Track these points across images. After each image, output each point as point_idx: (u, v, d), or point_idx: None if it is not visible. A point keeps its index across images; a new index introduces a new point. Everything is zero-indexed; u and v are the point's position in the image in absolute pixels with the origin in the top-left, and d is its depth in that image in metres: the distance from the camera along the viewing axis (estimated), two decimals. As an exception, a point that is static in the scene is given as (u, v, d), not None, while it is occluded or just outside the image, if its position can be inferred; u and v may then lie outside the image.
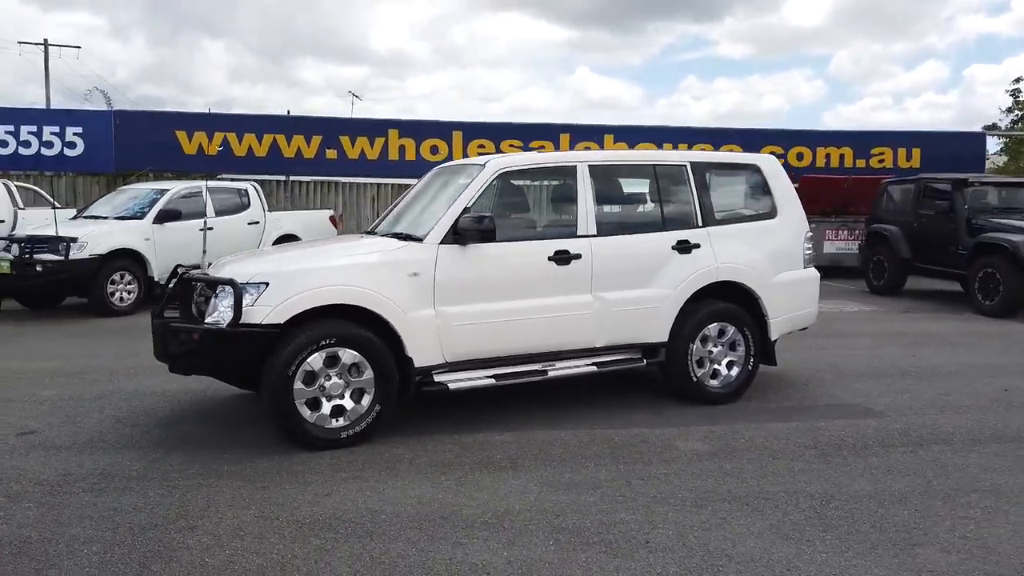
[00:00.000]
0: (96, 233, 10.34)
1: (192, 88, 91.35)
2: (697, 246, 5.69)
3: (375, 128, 16.69)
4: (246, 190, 12.25)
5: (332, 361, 4.64)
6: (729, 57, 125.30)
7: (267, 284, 4.57)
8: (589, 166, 5.55)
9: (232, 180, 13.44)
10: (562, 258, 5.24)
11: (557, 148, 16.72)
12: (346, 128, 16.79)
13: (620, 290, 5.43)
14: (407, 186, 16.14)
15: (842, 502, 3.91)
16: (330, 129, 16.68)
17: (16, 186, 12.33)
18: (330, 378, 4.64)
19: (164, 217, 10.82)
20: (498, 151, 15.99)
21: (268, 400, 4.57)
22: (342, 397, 4.70)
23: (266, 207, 12.38)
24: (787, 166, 17.82)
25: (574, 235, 5.37)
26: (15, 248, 10.12)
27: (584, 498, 3.93)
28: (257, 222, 12.03)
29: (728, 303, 5.77)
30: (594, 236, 5.40)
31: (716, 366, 5.79)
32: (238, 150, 16.19)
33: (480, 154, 15.87)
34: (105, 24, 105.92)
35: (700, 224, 5.77)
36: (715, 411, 5.54)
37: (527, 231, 5.68)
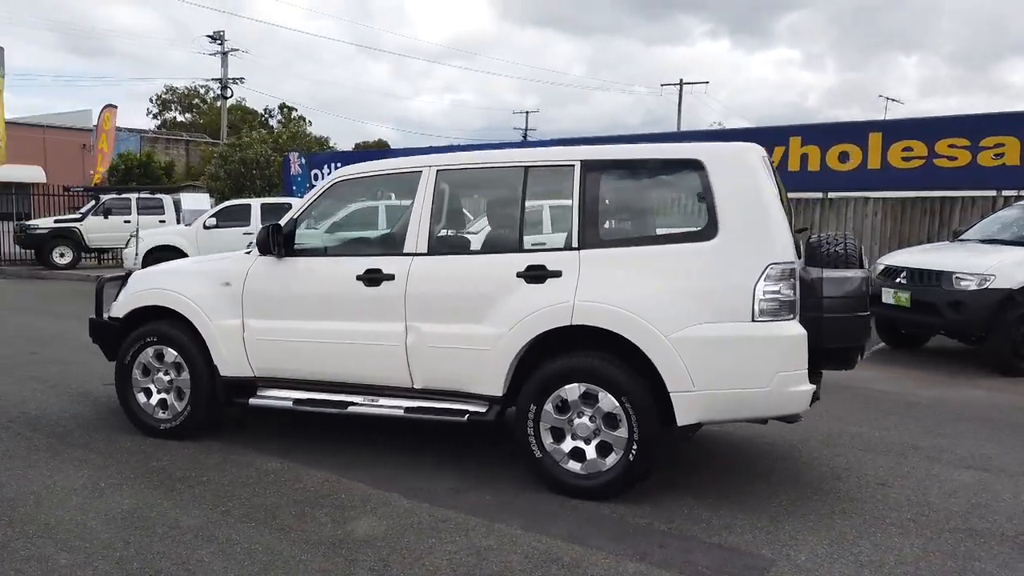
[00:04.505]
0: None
1: (878, 105, 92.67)
2: (556, 274, 4.17)
3: (777, 135, 14.95)
4: None
5: (161, 358, 5.12)
6: None
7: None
8: (438, 171, 4.62)
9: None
10: (372, 278, 4.55)
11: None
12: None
13: (441, 323, 4.40)
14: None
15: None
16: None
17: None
18: (157, 372, 5.13)
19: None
20: (931, 154, 12.73)
21: (115, 384, 5.31)
22: (167, 392, 5.13)
23: None
24: None
25: (400, 252, 4.58)
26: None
27: (101, 533, 3.63)
28: None
29: (601, 358, 4.06)
30: (421, 255, 4.50)
31: (581, 444, 4.14)
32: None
33: (903, 159, 12.97)
34: (799, 56, 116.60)
35: (575, 245, 4.19)
36: (560, 505, 4.03)
37: (351, 246, 5.03)
